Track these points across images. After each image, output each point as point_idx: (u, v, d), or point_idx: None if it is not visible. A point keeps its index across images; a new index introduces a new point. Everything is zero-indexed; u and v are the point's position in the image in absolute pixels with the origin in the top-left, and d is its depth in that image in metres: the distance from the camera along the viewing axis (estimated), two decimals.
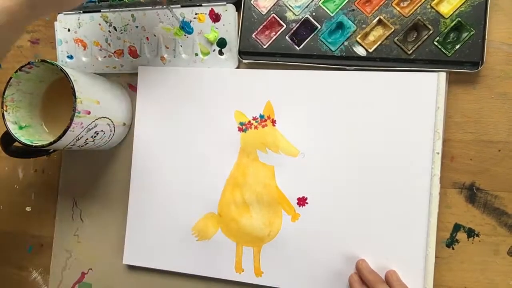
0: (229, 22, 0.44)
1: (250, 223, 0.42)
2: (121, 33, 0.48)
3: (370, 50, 0.40)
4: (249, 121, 0.43)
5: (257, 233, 0.42)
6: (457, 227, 0.39)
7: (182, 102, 0.45)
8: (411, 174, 0.38)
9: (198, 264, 0.43)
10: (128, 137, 0.48)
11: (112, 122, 0.42)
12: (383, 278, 0.38)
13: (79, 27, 0.49)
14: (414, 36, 0.40)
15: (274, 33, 0.43)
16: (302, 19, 0.42)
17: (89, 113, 0.38)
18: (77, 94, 0.37)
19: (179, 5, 0.45)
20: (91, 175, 0.49)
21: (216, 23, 0.44)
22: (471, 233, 0.39)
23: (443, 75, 0.38)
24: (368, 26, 0.40)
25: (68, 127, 0.37)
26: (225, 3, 0.44)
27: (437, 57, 0.38)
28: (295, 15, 0.42)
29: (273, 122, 0.42)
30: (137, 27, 0.47)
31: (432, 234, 0.37)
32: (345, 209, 0.40)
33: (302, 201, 0.41)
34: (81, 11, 0.49)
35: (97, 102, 0.39)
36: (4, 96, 0.40)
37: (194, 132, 0.44)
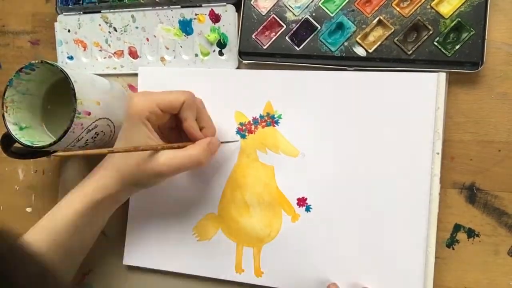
0: (229, 23, 0.44)
1: (250, 224, 0.42)
2: (121, 33, 0.48)
3: (370, 51, 0.40)
4: (249, 121, 0.43)
5: (257, 234, 0.42)
6: (457, 228, 0.39)
7: None
8: (411, 174, 0.38)
9: (198, 264, 0.43)
10: None
11: (113, 123, 0.42)
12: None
13: (79, 28, 0.49)
14: (414, 37, 0.40)
15: (274, 33, 0.43)
16: (302, 20, 0.42)
17: (89, 114, 0.38)
18: (77, 95, 0.37)
19: (179, 6, 0.45)
20: None
21: (216, 23, 0.44)
22: (471, 233, 0.39)
23: (443, 75, 0.38)
24: (368, 26, 0.40)
25: (68, 128, 0.37)
26: (225, 3, 0.44)
27: (437, 57, 0.38)
28: (295, 15, 0.42)
29: (273, 122, 0.42)
30: (137, 27, 0.47)
31: (432, 234, 0.37)
32: (344, 209, 0.40)
33: (302, 202, 0.41)
34: (81, 12, 0.49)
35: (97, 103, 0.39)
36: (4, 97, 0.40)
37: None
